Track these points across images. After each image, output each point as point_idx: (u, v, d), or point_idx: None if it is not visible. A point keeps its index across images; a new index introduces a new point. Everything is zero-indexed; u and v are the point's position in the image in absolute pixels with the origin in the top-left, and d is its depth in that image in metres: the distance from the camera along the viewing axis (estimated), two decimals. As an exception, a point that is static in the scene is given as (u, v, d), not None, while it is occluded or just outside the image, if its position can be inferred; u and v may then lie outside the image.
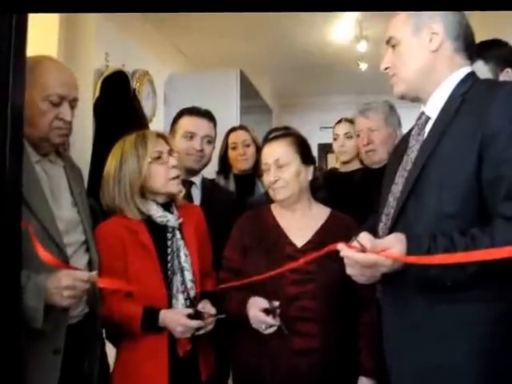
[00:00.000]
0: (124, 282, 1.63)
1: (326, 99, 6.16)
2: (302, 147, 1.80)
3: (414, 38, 1.34)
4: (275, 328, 1.59)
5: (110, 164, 1.74)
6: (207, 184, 2.30)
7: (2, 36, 1.18)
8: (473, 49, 1.37)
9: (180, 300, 1.68)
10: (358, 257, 1.20)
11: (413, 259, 1.15)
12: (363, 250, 1.19)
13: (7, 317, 1.20)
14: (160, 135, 1.78)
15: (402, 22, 1.36)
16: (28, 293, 1.33)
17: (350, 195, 2.16)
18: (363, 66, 4.61)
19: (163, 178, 1.72)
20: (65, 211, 1.59)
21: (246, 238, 1.79)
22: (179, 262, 1.71)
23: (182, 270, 1.71)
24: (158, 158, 1.72)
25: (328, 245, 1.58)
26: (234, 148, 2.88)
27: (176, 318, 1.60)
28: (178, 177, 1.75)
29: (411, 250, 1.17)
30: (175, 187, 1.75)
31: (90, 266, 1.62)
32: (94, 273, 1.47)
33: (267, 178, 1.78)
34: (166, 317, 1.61)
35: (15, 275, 1.25)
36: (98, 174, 1.85)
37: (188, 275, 1.71)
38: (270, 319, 1.58)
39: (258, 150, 2.86)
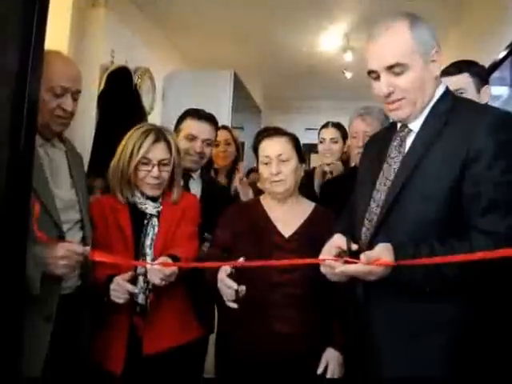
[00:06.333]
0: (115, 256, 1.65)
1: (312, 103, 6.19)
2: (297, 146, 1.81)
3: (425, 64, 1.30)
4: (236, 306, 1.50)
5: (120, 146, 1.80)
6: (206, 178, 2.31)
7: (25, 30, 1.22)
8: None
9: (140, 282, 1.70)
10: (354, 270, 1.20)
11: (401, 262, 1.17)
12: (348, 261, 1.20)
13: (13, 284, 1.22)
14: (159, 140, 1.79)
15: (407, 49, 1.29)
16: (27, 262, 1.33)
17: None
18: (348, 75, 4.63)
19: (142, 180, 1.78)
20: (63, 191, 1.61)
21: (237, 224, 1.78)
22: (143, 247, 1.75)
23: (144, 255, 1.74)
24: (146, 163, 1.76)
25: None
26: (216, 145, 2.90)
27: (116, 279, 1.62)
28: (158, 184, 1.79)
29: (398, 256, 1.19)
30: (150, 191, 1.80)
31: (83, 242, 1.64)
32: (88, 247, 1.50)
33: (268, 170, 1.75)
34: (114, 280, 1.62)
35: (22, 244, 1.27)
36: (98, 160, 1.87)
37: (148, 260, 1.74)
38: (230, 281, 1.48)
39: (237, 149, 2.94)
